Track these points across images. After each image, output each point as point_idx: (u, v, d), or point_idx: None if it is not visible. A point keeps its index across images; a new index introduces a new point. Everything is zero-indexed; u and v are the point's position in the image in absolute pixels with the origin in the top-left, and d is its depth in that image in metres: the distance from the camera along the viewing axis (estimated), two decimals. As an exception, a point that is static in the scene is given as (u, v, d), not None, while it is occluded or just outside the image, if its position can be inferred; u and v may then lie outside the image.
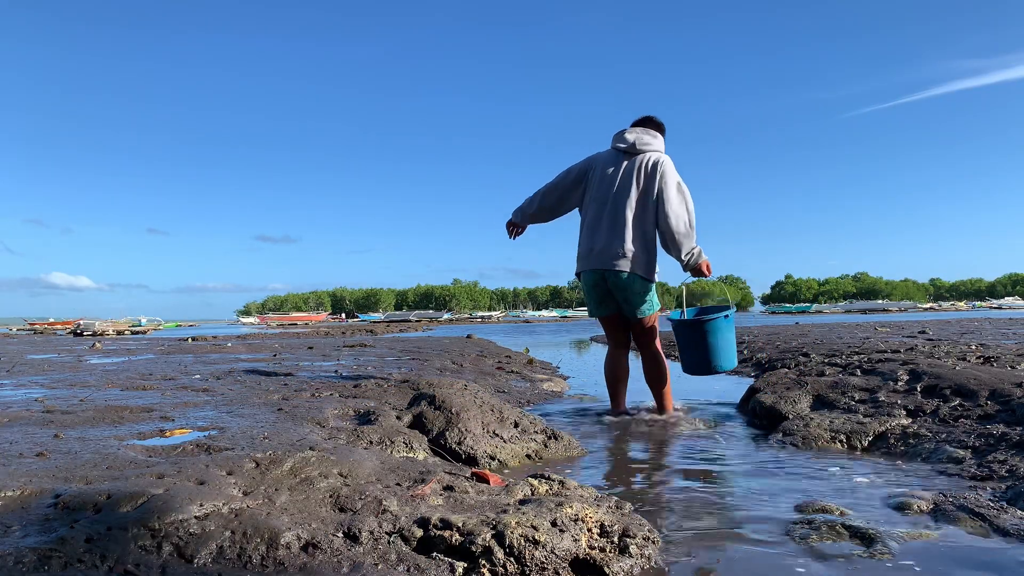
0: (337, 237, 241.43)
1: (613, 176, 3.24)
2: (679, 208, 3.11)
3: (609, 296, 3.27)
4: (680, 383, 4.10)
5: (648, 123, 3.39)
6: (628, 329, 3.39)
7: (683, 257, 3.10)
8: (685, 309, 3.55)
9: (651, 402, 3.45)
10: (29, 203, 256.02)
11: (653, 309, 3.27)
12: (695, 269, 3.14)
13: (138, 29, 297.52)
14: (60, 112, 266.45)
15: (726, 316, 3.26)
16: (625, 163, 3.24)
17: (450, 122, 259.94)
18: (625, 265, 3.12)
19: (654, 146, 3.27)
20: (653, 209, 3.15)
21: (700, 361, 3.28)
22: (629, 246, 3.12)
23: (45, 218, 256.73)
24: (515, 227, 3.61)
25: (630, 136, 3.27)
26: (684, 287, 3.59)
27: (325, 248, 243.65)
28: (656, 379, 3.35)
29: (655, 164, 3.18)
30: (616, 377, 3.42)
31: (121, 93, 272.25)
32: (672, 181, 3.14)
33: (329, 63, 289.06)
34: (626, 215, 3.15)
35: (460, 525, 1.30)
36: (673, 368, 3.60)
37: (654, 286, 3.27)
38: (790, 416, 2.92)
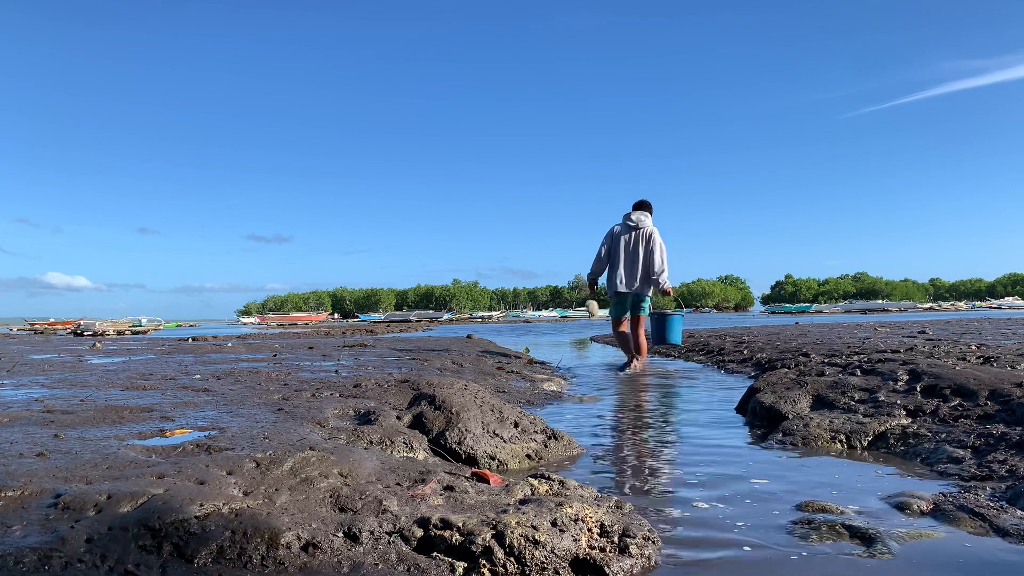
0: (335, 237, 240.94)
1: (629, 242, 6.15)
2: (661, 259, 6.10)
3: (629, 305, 6.23)
4: (695, 394, 4.58)
5: (643, 205, 6.28)
6: (629, 320, 6.27)
7: (660, 283, 6.11)
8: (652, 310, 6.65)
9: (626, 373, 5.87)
10: (17, 203, 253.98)
11: (646, 311, 6.31)
12: (664, 290, 6.19)
13: (127, 29, 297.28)
14: (47, 111, 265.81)
15: (681, 315, 6.81)
16: (636, 233, 6.14)
17: (447, 121, 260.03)
18: (641, 290, 6.16)
19: (647, 222, 6.17)
20: (649, 256, 6.10)
21: (660, 335, 6.66)
22: (643, 282, 6.13)
23: (33, 217, 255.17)
24: (595, 284, 6.50)
25: (635, 219, 6.16)
26: (663, 295, 6.36)
27: (323, 248, 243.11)
28: (640, 340, 6.19)
29: (651, 234, 6.13)
30: (625, 340, 6.23)
31: (109, 93, 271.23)
32: (659, 243, 6.11)
33: (320, 64, 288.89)
34: (639, 264, 6.10)
35: (460, 525, 1.30)
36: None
37: (649, 298, 6.30)
38: (790, 416, 2.91)
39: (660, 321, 6.60)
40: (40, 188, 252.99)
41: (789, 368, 4.39)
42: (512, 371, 5.53)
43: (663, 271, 6.04)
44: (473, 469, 1.90)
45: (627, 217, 6.19)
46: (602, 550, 1.34)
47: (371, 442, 2.32)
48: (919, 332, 8.52)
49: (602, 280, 6.41)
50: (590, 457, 2.49)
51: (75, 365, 6.09)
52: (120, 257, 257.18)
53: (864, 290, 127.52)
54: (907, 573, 1.33)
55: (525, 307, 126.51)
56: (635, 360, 5.98)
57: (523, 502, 1.49)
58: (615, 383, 5.01)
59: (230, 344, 10.21)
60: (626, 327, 6.22)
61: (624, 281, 6.09)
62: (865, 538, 1.48)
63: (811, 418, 2.81)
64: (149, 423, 2.60)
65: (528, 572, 1.25)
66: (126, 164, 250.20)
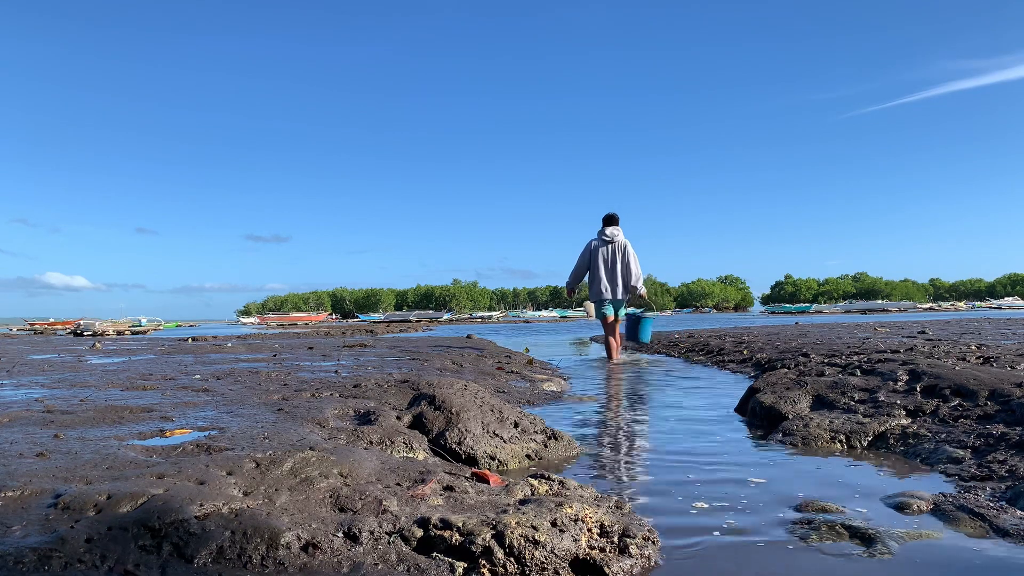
0: (335, 237, 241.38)
1: (606, 255, 7.20)
2: (636, 266, 7.20)
3: (611, 307, 7.26)
4: (695, 395, 4.62)
5: (612, 219, 7.27)
6: (613, 321, 7.32)
7: (638, 288, 7.25)
8: (628, 311, 8.00)
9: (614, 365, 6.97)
10: (15, 203, 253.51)
11: (623, 314, 7.42)
12: (640, 294, 7.37)
13: (125, 28, 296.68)
14: (44, 110, 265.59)
15: (649, 317, 8.32)
16: (611, 246, 7.18)
17: (447, 121, 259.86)
18: (620, 295, 7.21)
19: (620, 235, 7.19)
20: (626, 267, 7.16)
21: (633, 335, 8.22)
22: (622, 289, 7.20)
23: (31, 218, 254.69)
24: (572, 292, 7.77)
25: (609, 234, 7.17)
26: (639, 298, 7.65)
27: (323, 248, 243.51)
28: (616, 336, 7.30)
29: (625, 245, 7.18)
30: (610, 344, 7.34)
31: (107, 91, 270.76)
32: (633, 253, 7.18)
33: (319, 63, 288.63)
34: (618, 273, 7.17)
35: (460, 525, 1.30)
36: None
37: (625, 302, 7.34)
38: (790, 416, 2.91)
39: (634, 323, 8.18)
40: (38, 188, 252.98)
41: (789, 368, 4.39)
42: (512, 371, 5.53)
43: (639, 278, 7.26)
44: (473, 469, 1.90)
45: (601, 232, 7.23)
46: (602, 550, 1.34)
47: (371, 442, 2.32)
48: (919, 332, 8.52)
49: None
50: (590, 457, 2.48)
51: (75, 365, 6.09)
52: (119, 257, 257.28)
53: (864, 290, 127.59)
54: (907, 573, 1.33)
55: (525, 307, 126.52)
56: (615, 352, 7.40)
57: (523, 502, 1.49)
58: (615, 383, 5.01)
59: (230, 344, 10.21)
60: (610, 331, 7.51)
61: (607, 289, 7.22)
62: (865, 538, 1.48)
63: (811, 418, 2.81)
64: (149, 423, 2.60)
65: (528, 572, 1.25)
66: (124, 164, 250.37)
